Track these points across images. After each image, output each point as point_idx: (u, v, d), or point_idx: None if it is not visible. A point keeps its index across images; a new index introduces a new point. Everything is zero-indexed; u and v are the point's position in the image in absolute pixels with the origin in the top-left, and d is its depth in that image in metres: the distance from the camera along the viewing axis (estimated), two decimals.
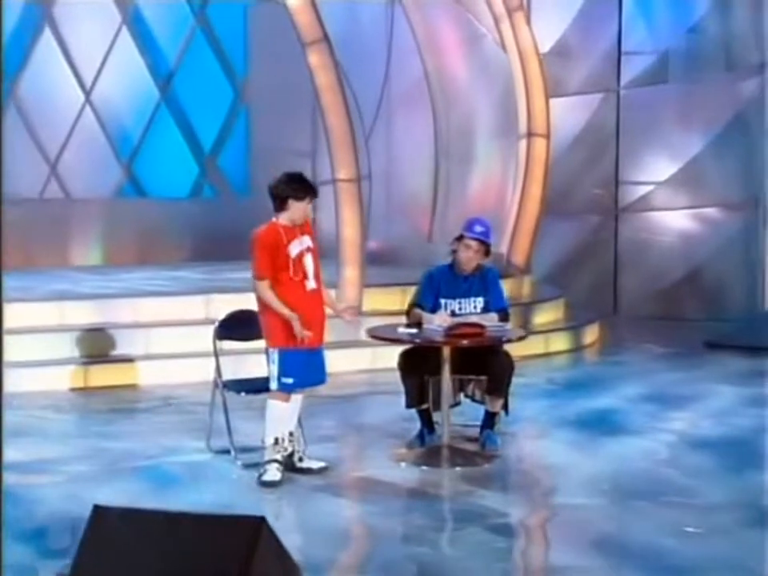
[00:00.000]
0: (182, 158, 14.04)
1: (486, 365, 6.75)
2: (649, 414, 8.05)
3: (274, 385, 6.22)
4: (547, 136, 11.68)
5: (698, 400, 8.53)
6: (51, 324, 9.21)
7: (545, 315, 11.07)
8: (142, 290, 10.38)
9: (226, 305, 9.06)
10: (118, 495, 5.83)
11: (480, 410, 7.02)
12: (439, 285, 6.89)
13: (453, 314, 6.77)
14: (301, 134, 13.67)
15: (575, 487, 6.18)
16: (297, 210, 6.21)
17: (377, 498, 5.99)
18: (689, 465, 6.74)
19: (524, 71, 11.57)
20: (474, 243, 6.80)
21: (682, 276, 13.01)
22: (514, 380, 6.94)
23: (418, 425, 6.95)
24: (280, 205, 6.24)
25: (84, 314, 9.39)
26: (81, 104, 13.47)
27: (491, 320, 6.73)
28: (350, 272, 9.86)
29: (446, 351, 6.58)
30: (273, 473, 6.19)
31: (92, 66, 13.46)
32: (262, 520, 3.78)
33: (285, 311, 6.11)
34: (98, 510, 3.87)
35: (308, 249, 6.26)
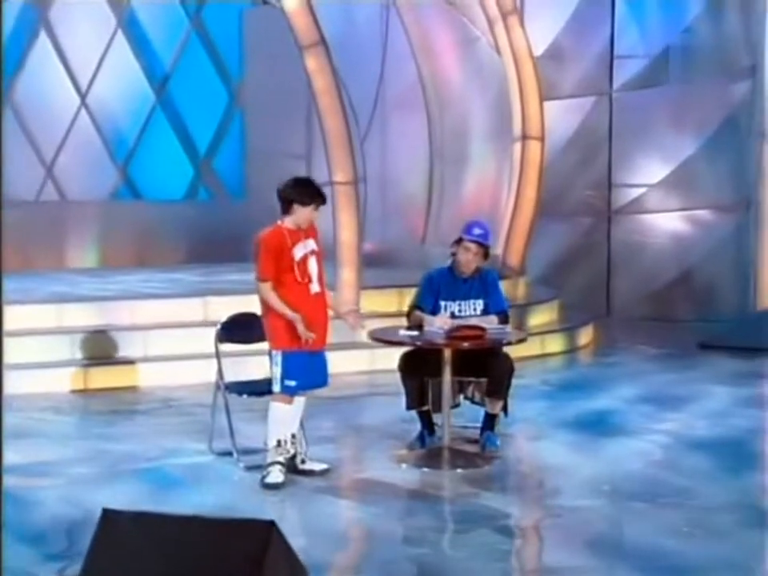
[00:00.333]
0: (177, 160, 14.09)
1: (486, 367, 6.79)
2: (646, 415, 8.09)
3: (276, 387, 6.25)
4: (542, 139, 11.75)
5: (694, 401, 8.57)
6: (50, 326, 9.26)
7: (540, 316, 11.14)
8: (140, 292, 10.43)
9: (224, 307, 9.13)
10: (120, 498, 5.83)
11: (479, 412, 7.05)
12: (439, 287, 6.93)
13: (452, 316, 6.80)
14: (295, 136, 13.72)
15: (576, 489, 6.21)
16: (301, 214, 6.25)
17: (378, 500, 6.01)
18: (687, 466, 6.77)
19: (518, 74, 11.63)
20: (473, 246, 6.84)
21: (674, 277, 13.10)
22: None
23: (417, 426, 6.99)
24: (286, 208, 6.27)
25: (83, 316, 9.43)
26: (76, 107, 13.52)
27: (491, 322, 6.77)
28: (348, 274, 9.92)
29: (447, 353, 6.62)
30: (276, 475, 6.22)
31: (88, 68, 13.52)
32: (271, 523, 3.78)
33: (287, 312, 6.15)
34: (107, 513, 3.89)
35: (312, 252, 6.29)
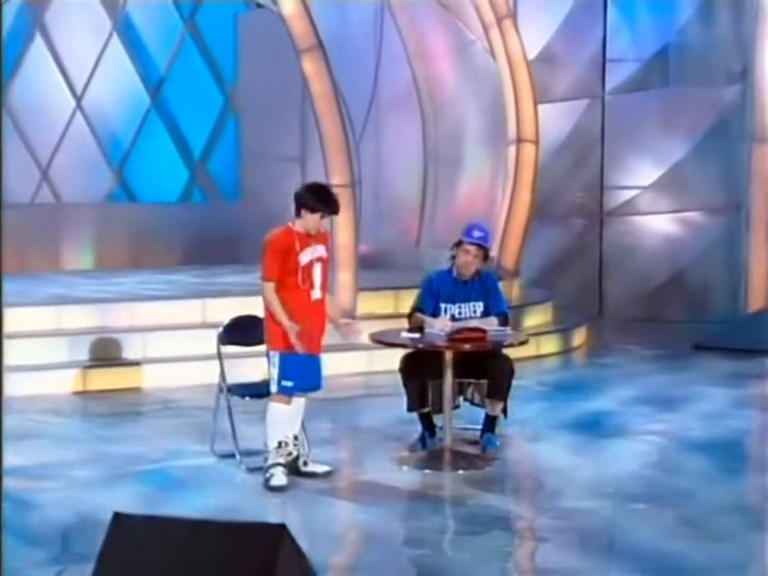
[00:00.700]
0: (172, 162, 14.13)
1: (486, 368, 6.82)
2: (643, 416, 8.15)
3: (274, 387, 6.27)
4: (536, 142, 11.82)
5: (691, 402, 8.62)
6: (49, 328, 9.30)
7: (534, 318, 11.22)
8: (138, 294, 10.47)
9: (222, 309, 9.21)
10: (123, 500, 5.84)
11: (478, 413, 7.08)
12: (439, 289, 6.95)
13: (453, 318, 6.83)
14: (290, 139, 13.77)
15: (577, 490, 6.24)
16: (309, 220, 6.23)
17: (380, 502, 6.02)
18: (686, 467, 6.81)
19: (513, 78, 11.70)
20: (472, 248, 6.86)
21: (665, 279, 13.19)
22: None
23: (416, 427, 7.01)
24: (297, 211, 6.27)
25: (81, 317, 9.47)
26: (72, 109, 13.56)
27: (491, 324, 6.80)
28: (345, 276, 9.98)
29: (448, 355, 6.64)
30: (279, 477, 6.24)
31: (83, 71, 13.55)
32: (282, 527, 3.79)
33: (284, 320, 6.14)
34: (118, 517, 3.83)
35: (319, 259, 6.29)
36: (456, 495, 6.26)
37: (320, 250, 6.32)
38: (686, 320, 12.69)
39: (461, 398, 7.09)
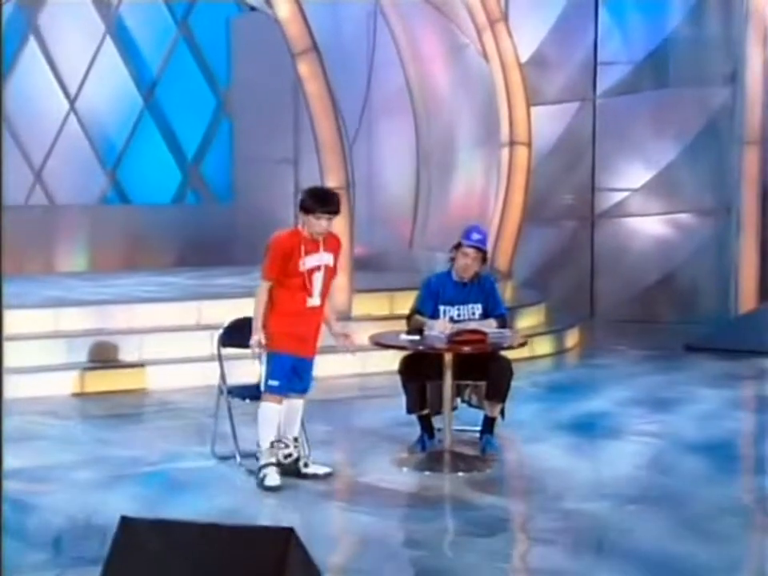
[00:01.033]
0: (165, 164, 14.16)
1: (485, 370, 6.85)
2: (639, 417, 8.21)
3: (262, 386, 6.32)
4: (529, 144, 11.89)
5: (685, 403, 8.67)
6: (47, 330, 9.30)
7: (528, 319, 11.28)
8: (135, 296, 10.48)
9: (219, 311, 9.25)
10: (124, 503, 5.83)
11: (476, 415, 7.11)
12: (438, 291, 6.99)
13: (451, 320, 6.86)
14: (283, 141, 13.81)
15: (577, 492, 6.26)
16: (307, 222, 6.22)
17: (381, 504, 6.02)
18: (685, 469, 6.83)
19: (506, 81, 11.76)
20: (471, 251, 6.90)
21: (656, 280, 13.28)
22: None
23: (414, 429, 7.03)
24: (301, 214, 6.29)
25: (79, 320, 9.49)
26: (65, 112, 13.58)
27: (490, 326, 6.84)
28: (340, 278, 9.89)
29: (448, 357, 6.68)
30: (273, 477, 6.25)
31: (76, 74, 13.57)
32: (291, 531, 3.80)
33: (257, 323, 6.16)
34: (125, 521, 3.80)
35: (324, 267, 6.25)
36: (456, 497, 6.27)
37: (326, 259, 6.28)
38: (676, 321, 12.78)
39: (458, 400, 7.11)
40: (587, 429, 7.83)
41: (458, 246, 6.98)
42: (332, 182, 9.95)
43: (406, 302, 8.82)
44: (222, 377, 6.94)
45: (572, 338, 11.51)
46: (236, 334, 6.99)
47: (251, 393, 6.79)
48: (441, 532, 5.64)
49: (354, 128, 13.04)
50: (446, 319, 6.89)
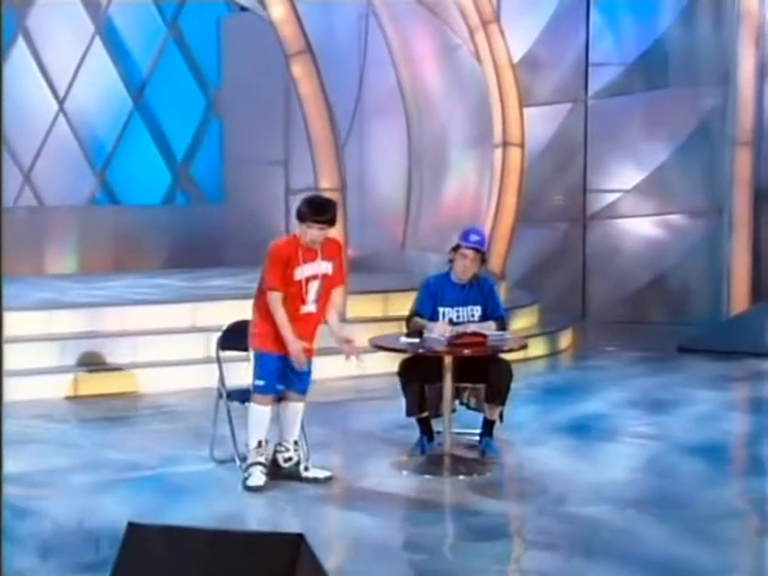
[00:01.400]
0: (155, 165, 14.11)
1: (484, 373, 6.84)
2: (635, 419, 8.21)
3: (251, 386, 6.31)
4: (521, 145, 11.88)
5: (680, 404, 8.67)
6: (39, 333, 9.22)
7: (521, 321, 11.26)
8: (128, 298, 10.41)
9: (213, 313, 9.22)
10: (124, 507, 5.80)
11: (474, 418, 7.09)
12: (437, 293, 6.97)
13: (451, 322, 6.84)
14: (273, 142, 13.77)
15: (578, 495, 6.25)
16: (301, 230, 6.14)
17: (381, 507, 6.00)
18: (685, 471, 6.82)
19: (498, 82, 11.76)
20: (469, 252, 6.88)
21: (648, 281, 13.29)
22: None
23: (413, 432, 7.01)
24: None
25: (72, 322, 9.41)
26: (54, 113, 13.52)
27: (489, 328, 6.81)
28: None
29: (448, 360, 6.65)
30: (257, 477, 6.23)
31: (65, 74, 13.52)
32: (300, 537, 3.78)
33: (289, 335, 6.08)
34: (132, 527, 3.79)
35: (321, 276, 6.19)
36: (456, 500, 6.25)
37: (324, 267, 6.20)
38: (668, 322, 12.79)
39: (457, 402, 7.08)
40: (585, 431, 7.83)
41: (456, 248, 6.96)
42: (325, 183, 9.93)
43: (400, 304, 8.82)
44: (221, 380, 6.90)
45: (565, 340, 11.51)
46: (235, 336, 6.96)
47: (248, 397, 6.76)
48: (441, 535, 5.63)
49: (345, 129, 13.02)
50: (446, 321, 6.87)
